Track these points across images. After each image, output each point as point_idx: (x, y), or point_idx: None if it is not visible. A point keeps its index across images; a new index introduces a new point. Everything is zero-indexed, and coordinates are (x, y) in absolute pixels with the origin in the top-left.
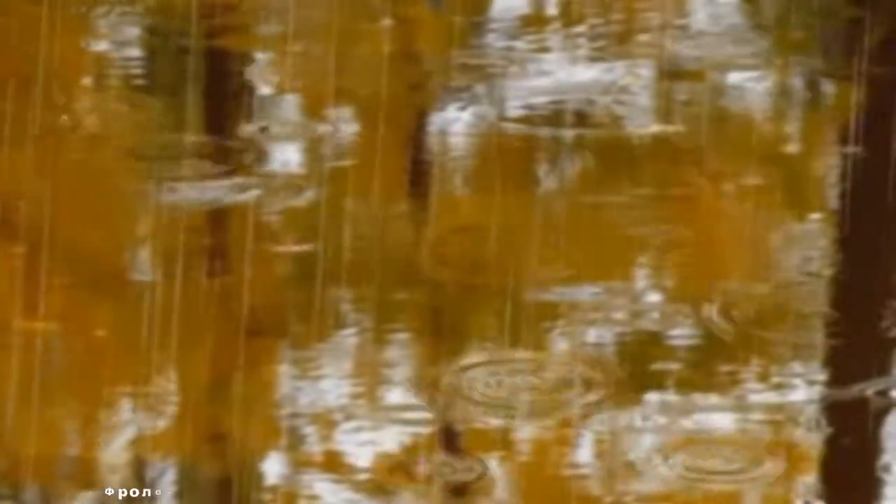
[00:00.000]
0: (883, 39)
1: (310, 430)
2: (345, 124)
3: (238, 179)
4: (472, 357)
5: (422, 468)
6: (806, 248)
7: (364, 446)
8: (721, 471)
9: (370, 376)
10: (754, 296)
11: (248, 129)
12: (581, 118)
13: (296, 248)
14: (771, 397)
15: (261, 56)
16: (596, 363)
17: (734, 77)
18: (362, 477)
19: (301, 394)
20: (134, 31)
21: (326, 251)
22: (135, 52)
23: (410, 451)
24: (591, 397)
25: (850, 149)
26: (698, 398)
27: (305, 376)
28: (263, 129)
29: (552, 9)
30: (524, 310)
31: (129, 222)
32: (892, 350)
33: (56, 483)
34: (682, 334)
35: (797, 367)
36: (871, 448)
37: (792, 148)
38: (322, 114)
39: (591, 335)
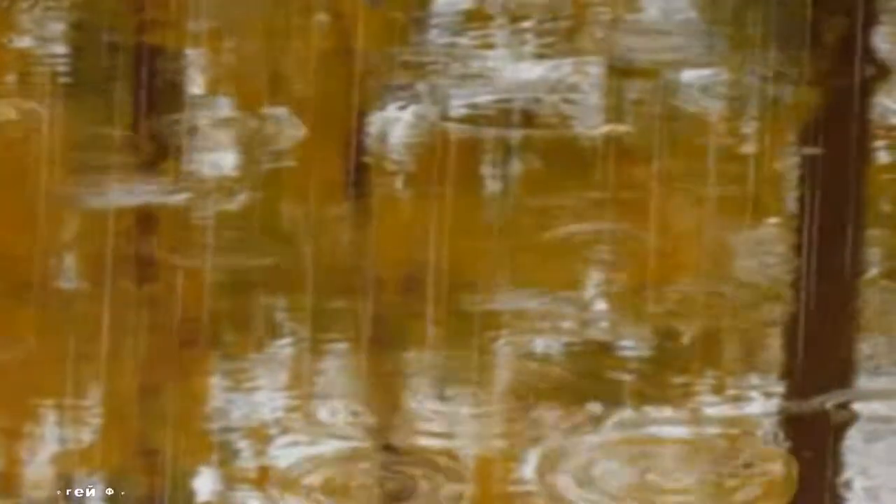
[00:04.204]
0: (840, 37)
1: (243, 445)
2: (280, 124)
3: (168, 182)
4: (415, 368)
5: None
6: (763, 254)
7: (300, 461)
8: (675, 485)
9: (306, 388)
10: (709, 303)
11: (178, 129)
12: (527, 118)
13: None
14: (727, 410)
15: (192, 53)
16: (543, 375)
17: (688, 75)
18: (298, 493)
19: (234, 407)
20: (59, 27)
21: (260, 257)
22: (60, 48)
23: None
24: (538, 411)
25: (809, 149)
26: (651, 411)
27: (238, 388)
28: (195, 130)
29: (497, 3)
30: (468, 318)
31: (54, 226)
32: (853, 361)
33: None
34: (633, 344)
35: (754, 378)
36: (831, 463)
37: (748, 149)
38: (256, 113)
39: (538, 345)
